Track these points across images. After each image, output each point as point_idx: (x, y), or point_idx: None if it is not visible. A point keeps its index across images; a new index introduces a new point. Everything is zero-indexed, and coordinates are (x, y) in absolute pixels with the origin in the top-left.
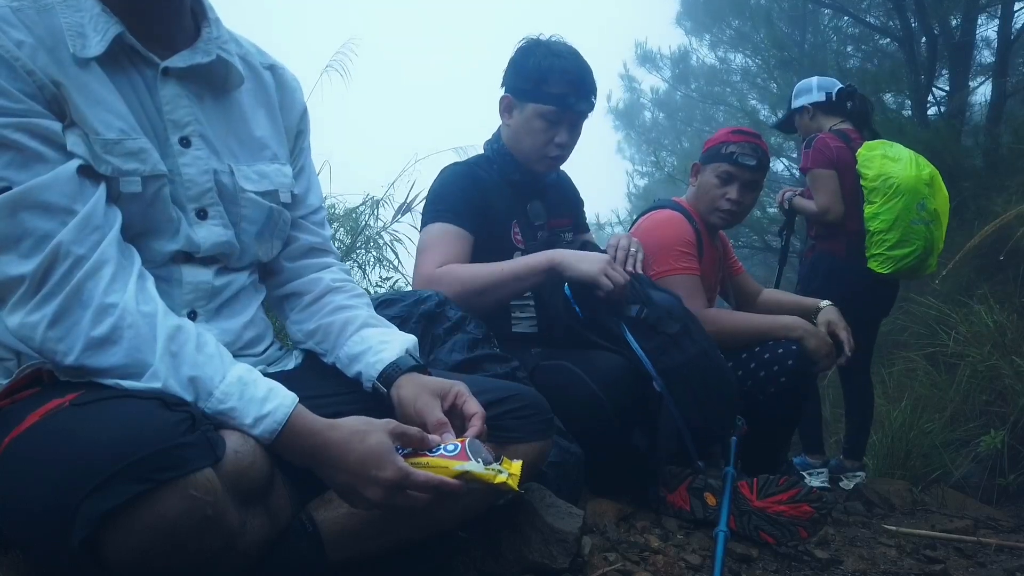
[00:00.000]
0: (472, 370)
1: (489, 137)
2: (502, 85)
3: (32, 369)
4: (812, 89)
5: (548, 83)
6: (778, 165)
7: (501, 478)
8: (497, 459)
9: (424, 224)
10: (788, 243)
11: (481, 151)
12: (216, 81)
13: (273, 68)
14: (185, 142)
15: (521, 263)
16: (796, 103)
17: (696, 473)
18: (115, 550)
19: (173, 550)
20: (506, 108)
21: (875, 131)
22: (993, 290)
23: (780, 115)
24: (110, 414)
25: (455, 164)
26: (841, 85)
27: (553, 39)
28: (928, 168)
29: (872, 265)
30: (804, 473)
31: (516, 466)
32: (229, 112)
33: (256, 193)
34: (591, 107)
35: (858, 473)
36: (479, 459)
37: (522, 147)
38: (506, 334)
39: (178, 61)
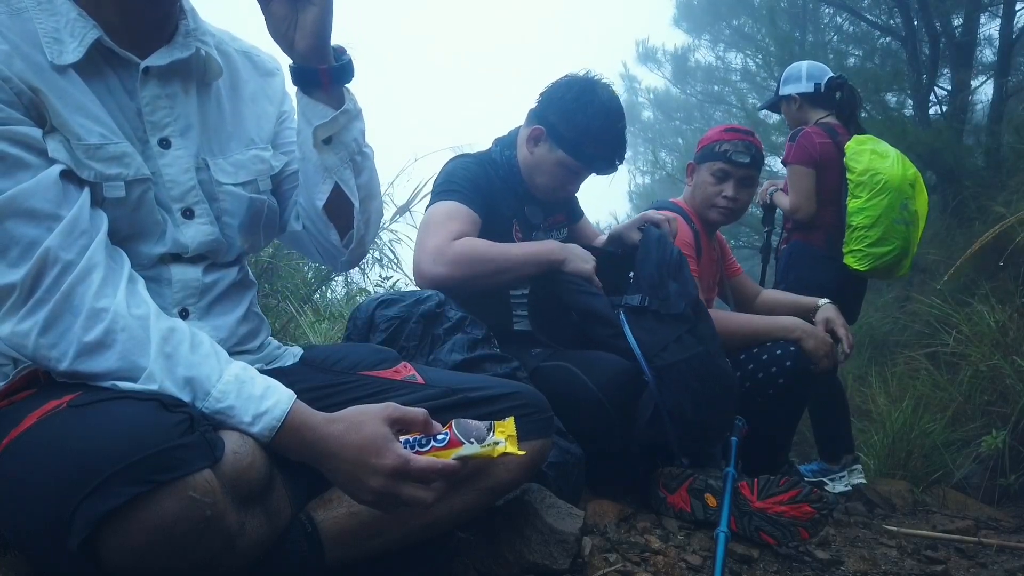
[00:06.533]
0: (472, 370)
1: (502, 136)
2: (535, 112)
3: (29, 371)
4: (801, 78)
5: (590, 144)
6: (777, 163)
7: (499, 450)
8: (488, 428)
9: (432, 203)
10: (770, 240)
11: (474, 149)
12: (195, 74)
13: (248, 54)
14: (165, 143)
15: (531, 248)
16: (783, 90)
17: (694, 473)
18: (113, 552)
19: (172, 551)
20: (534, 138)
21: (860, 126)
22: (995, 289)
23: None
24: (108, 416)
25: (464, 155)
26: (832, 74)
27: (601, 80)
28: (912, 169)
29: (849, 260)
30: (825, 480)
31: (509, 424)
32: (206, 105)
33: (233, 185)
34: (614, 171)
35: (855, 467)
36: (471, 439)
37: (535, 179)
38: (508, 333)
39: (158, 59)
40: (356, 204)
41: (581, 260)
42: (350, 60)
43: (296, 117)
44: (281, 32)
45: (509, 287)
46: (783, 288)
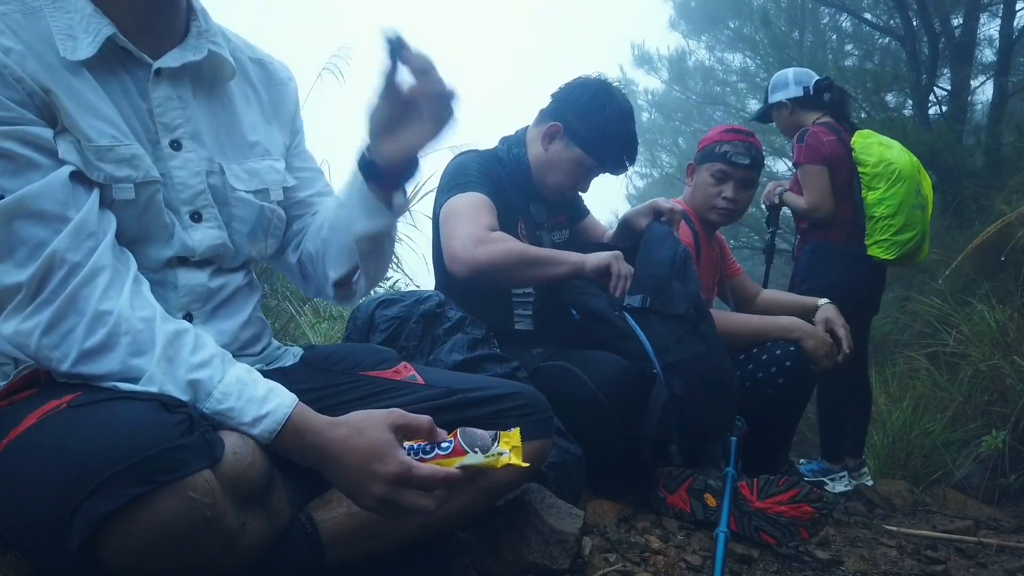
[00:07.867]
0: (472, 370)
1: (508, 135)
2: (550, 111)
3: (29, 370)
4: (788, 84)
5: (608, 144)
6: (780, 165)
7: (503, 460)
8: (494, 438)
9: (453, 194)
10: (773, 240)
11: (475, 146)
12: (207, 76)
13: (261, 62)
14: (176, 145)
15: (562, 254)
16: (773, 98)
17: (694, 473)
18: (113, 552)
19: (172, 552)
20: (550, 135)
21: (853, 123)
22: (995, 289)
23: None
24: (108, 416)
25: (471, 151)
26: (818, 77)
27: (614, 83)
28: (913, 155)
29: (876, 252)
30: (825, 479)
31: (514, 435)
32: (219, 109)
33: (246, 192)
34: (626, 171)
35: (863, 471)
36: (475, 449)
37: (546, 177)
38: (508, 333)
39: (171, 60)
40: (363, 270)
41: (598, 257)
42: (417, 165)
43: (346, 188)
44: (374, 121)
45: (535, 284)
46: (806, 290)
